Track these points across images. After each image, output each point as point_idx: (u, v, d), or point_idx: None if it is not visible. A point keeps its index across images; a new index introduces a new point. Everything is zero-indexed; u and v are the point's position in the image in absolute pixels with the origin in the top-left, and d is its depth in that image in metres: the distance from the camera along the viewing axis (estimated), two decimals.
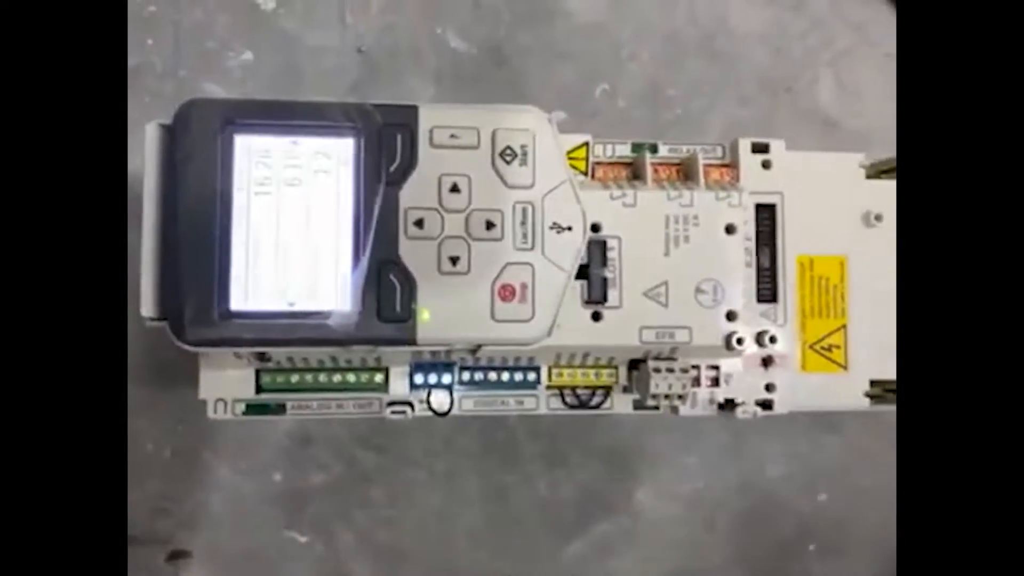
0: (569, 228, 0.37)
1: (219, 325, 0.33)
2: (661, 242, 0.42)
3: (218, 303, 0.33)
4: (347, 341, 0.34)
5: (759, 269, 0.44)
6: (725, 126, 0.61)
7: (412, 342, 0.35)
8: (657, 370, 0.42)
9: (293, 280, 0.35)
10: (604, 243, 0.40)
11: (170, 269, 0.33)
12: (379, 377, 0.42)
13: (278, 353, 0.37)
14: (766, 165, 0.44)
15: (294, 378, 0.42)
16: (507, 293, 0.36)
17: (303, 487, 0.56)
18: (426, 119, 0.36)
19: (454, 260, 0.36)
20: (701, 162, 0.43)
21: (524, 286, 0.36)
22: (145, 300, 0.33)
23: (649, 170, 0.44)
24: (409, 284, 0.35)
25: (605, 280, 0.41)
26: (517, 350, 0.36)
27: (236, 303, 0.34)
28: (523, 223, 0.36)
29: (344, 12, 0.60)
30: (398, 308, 0.35)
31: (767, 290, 0.44)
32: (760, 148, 0.44)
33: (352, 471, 0.57)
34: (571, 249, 0.37)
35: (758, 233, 0.44)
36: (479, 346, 0.36)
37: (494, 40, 0.60)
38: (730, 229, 0.42)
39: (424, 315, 0.35)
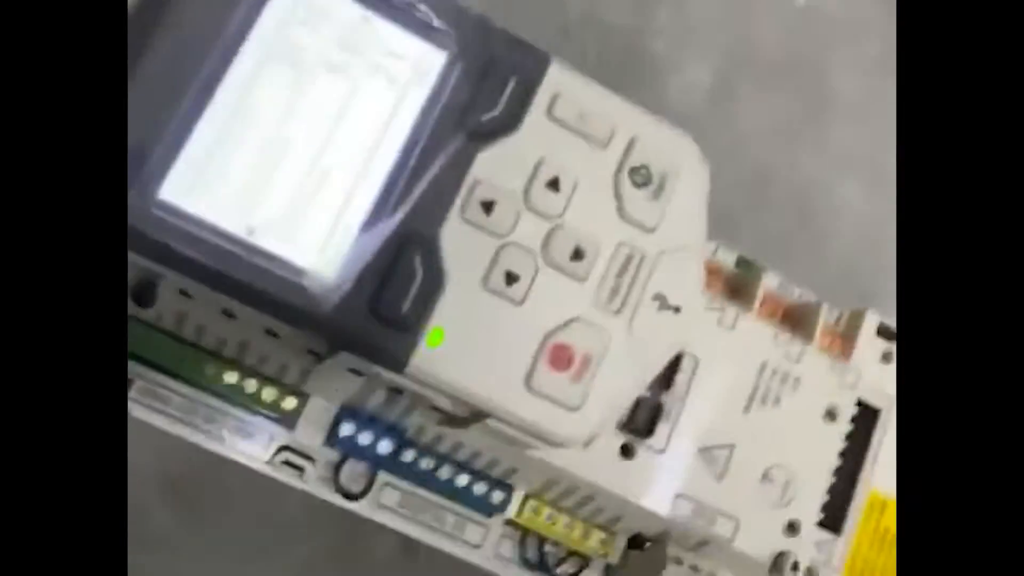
0: (676, 309, 0.24)
1: (131, 204, 0.19)
2: (746, 391, 0.29)
3: (144, 176, 0.19)
4: (310, 320, 0.20)
5: (830, 486, 0.29)
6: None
7: (399, 363, 0.21)
8: (679, 562, 0.28)
9: (267, 201, 0.20)
10: (677, 359, 0.28)
11: None
12: (291, 403, 0.27)
13: (178, 289, 0.22)
14: (887, 358, 0.31)
15: (172, 347, 0.26)
16: (560, 359, 0.22)
17: None
18: (556, 80, 0.23)
19: (510, 279, 0.22)
20: (822, 317, 0.31)
21: (586, 359, 0.22)
22: None
23: (759, 297, 0.32)
24: (435, 281, 0.21)
25: (659, 408, 0.28)
26: (527, 444, 0.23)
27: (170, 190, 0.19)
28: (620, 274, 0.23)
29: None
30: (405, 308, 0.21)
31: (830, 518, 0.29)
32: (887, 334, 0.31)
33: (130, 529, 0.38)
34: (667, 339, 0.23)
35: (847, 438, 0.30)
36: (473, 418, 0.22)
37: None
38: (832, 415, 0.29)
39: (437, 335, 0.22)
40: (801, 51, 0.49)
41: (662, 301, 0.23)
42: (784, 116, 0.49)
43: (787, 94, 0.49)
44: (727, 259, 0.34)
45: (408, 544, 0.41)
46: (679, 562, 0.28)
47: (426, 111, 0.21)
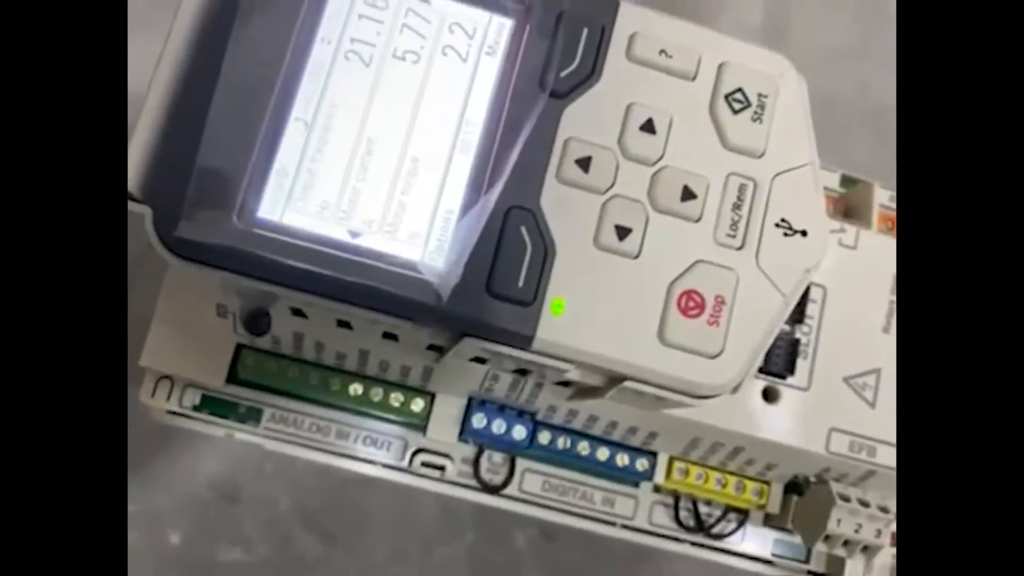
0: (803, 233, 0.22)
1: (234, 230, 0.18)
2: (882, 310, 0.27)
3: (243, 199, 0.19)
4: (430, 312, 0.19)
5: None
6: None
7: (526, 339, 0.20)
8: (845, 498, 0.27)
9: (364, 201, 0.20)
10: (805, 291, 0.26)
11: (180, 132, 0.19)
12: (418, 404, 0.27)
13: (291, 310, 0.22)
14: None
15: (293, 372, 0.26)
16: (691, 305, 0.21)
17: (207, 562, 0.36)
18: (628, 21, 0.22)
19: (622, 233, 0.21)
20: None
21: (719, 301, 0.21)
22: (129, 168, 0.18)
23: (876, 212, 0.30)
24: (545, 250, 0.20)
25: (795, 344, 0.26)
26: (671, 402, 0.22)
27: (268, 207, 0.19)
28: (737, 207, 0.22)
29: None
30: (521, 282, 0.20)
31: None
32: None
33: (281, 557, 0.37)
34: (799, 265, 0.22)
35: None
36: (609, 382, 0.21)
37: None
38: None
39: (557, 304, 0.21)
40: None
41: (786, 227, 0.21)
42: (845, 37, 0.46)
43: (845, 13, 0.46)
44: (830, 180, 0.32)
45: (547, 529, 0.41)
46: (845, 499, 0.26)
47: (502, 80, 0.20)
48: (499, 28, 0.21)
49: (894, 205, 0.32)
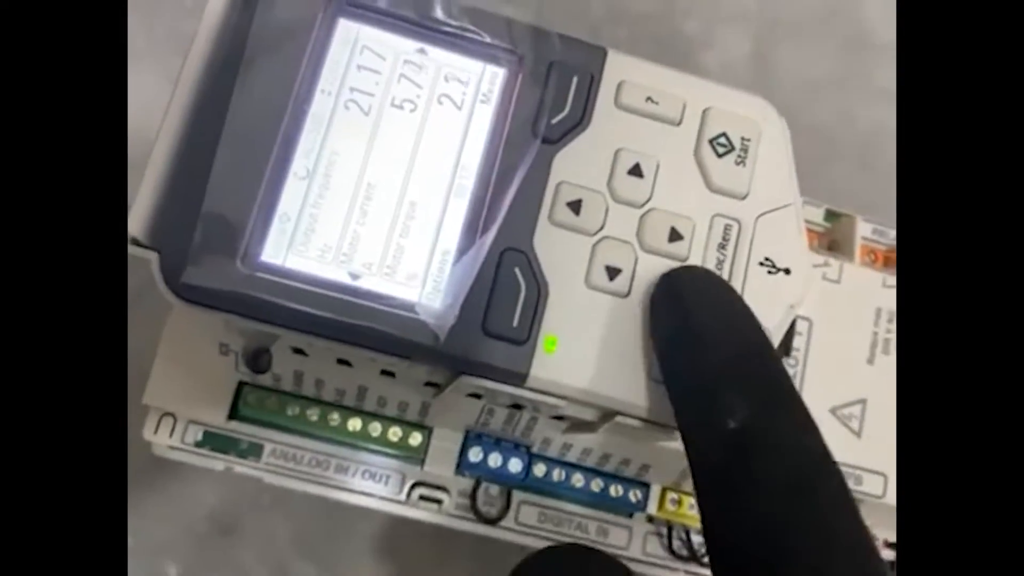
0: (786, 271, 0.23)
1: (238, 275, 0.19)
2: (866, 342, 0.28)
3: (247, 244, 0.19)
4: (428, 352, 0.20)
5: None
6: None
7: (520, 377, 0.20)
8: None
9: (364, 244, 0.20)
10: (792, 323, 0.27)
11: (186, 180, 0.19)
12: (416, 439, 0.27)
13: (291, 349, 0.22)
14: None
15: (294, 409, 0.27)
16: None
17: None
18: (616, 69, 0.23)
19: (612, 272, 0.22)
20: None
21: None
22: (136, 214, 0.19)
23: (859, 245, 0.31)
24: (538, 290, 0.21)
25: None
26: (658, 436, 0.22)
27: (271, 252, 0.20)
28: (722, 246, 0.23)
29: None
30: (515, 321, 0.21)
31: None
32: None
33: None
34: (783, 302, 0.22)
35: None
36: (602, 417, 0.22)
37: None
38: None
39: (551, 343, 0.21)
40: None
41: (770, 265, 0.22)
42: (831, 67, 0.48)
43: (830, 44, 0.48)
44: (815, 215, 0.33)
45: None
46: None
47: (496, 127, 0.21)
48: (492, 77, 0.22)
49: (876, 237, 0.32)
